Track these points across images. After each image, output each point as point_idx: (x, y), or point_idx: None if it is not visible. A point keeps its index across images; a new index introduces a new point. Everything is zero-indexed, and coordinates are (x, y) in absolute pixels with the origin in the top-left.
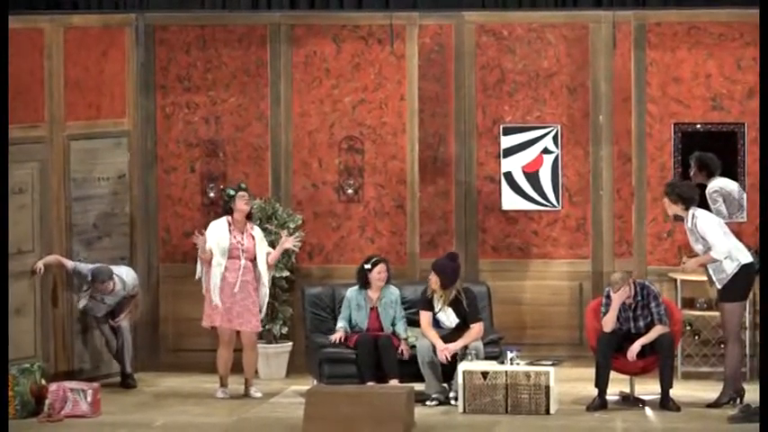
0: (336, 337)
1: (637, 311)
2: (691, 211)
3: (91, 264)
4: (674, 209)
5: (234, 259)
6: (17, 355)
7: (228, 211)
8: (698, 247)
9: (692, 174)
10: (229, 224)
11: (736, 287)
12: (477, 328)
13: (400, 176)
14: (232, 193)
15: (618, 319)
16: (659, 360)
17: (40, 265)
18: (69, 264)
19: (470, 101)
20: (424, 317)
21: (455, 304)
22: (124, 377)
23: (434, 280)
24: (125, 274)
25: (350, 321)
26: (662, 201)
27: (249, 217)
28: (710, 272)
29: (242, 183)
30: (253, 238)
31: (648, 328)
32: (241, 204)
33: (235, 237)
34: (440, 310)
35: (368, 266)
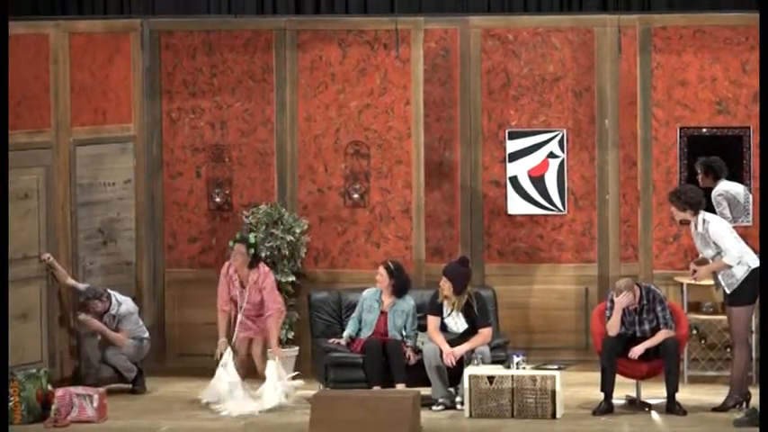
0: (335, 340)
1: (642, 315)
2: (700, 216)
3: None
4: (681, 215)
5: (235, 311)
6: (23, 361)
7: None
8: (707, 252)
9: (699, 179)
10: (231, 276)
11: (745, 291)
12: (485, 333)
13: (406, 181)
14: (231, 244)
15: (623, 322)
16: (665, 364)
17: (49, 255)
18: (81, 286)
19: (476, 105)
20: (432, 322)
21: (466, 309)
22: (133, 383)
23: (447, 286)
24: (125, 302)
25: (360, 321)
26: (669, 209)
27: (257, 261)
28: (719, 277)
29: (241, 233)
30: (258, 288)
31: (654, 331)
32: (235, 261)
33: (234, 288)
34: (448, 315)
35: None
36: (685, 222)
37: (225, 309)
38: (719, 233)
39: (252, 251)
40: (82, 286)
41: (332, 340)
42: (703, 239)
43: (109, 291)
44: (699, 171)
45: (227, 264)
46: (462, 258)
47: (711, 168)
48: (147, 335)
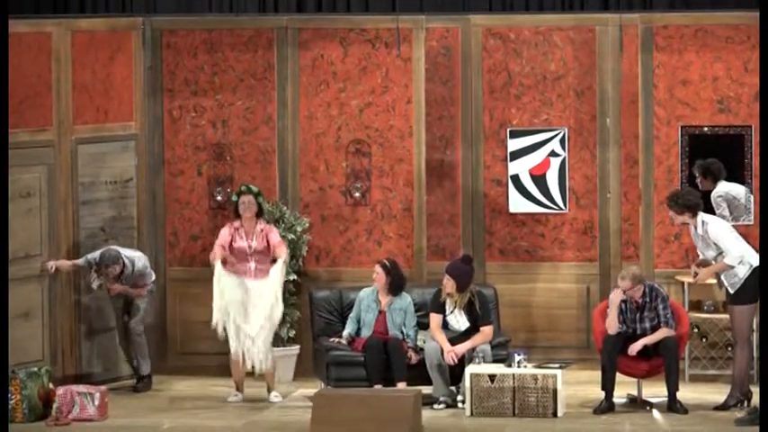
0: (335, 339)
1: (644, 313)
2: (699, 218)
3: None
4: (680, 219)
5: (243, 262)
6: (25, 359)
7: (238, 215)
8: (709, 253)
9: (698, 182)
10: (236, 228)
11: (748, 290)
12: (486, 331)
13: (407, 179)
14: (235, 198)
15: (624, 320)
16: (664, 363)
17: (52, 263)
18: (80, 261)
19: (477, 104)
20: (434, 319)
21: (468, 307)
22: (138, 380)
23: (450, 284)
24: (137, 259)
25: (358, 321)
26: (667, 213)
27: (261, 214)
28: (722, 277)
29: (243, 185)
30: (267, 240)
31: (654, 329)
32: (246, 212)
33: (241, 239)
34: (450, 313)
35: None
36: (685, 225)
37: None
38: (719, 234)
39: (259, 199)
40: (83, 260)
41: (332, 339)
42: (704, 241)
43: (118, 250)
44: (697, 174)
45: (229, 224)
46: (465, 256)
47: (709, 170)
48: (153, 278)
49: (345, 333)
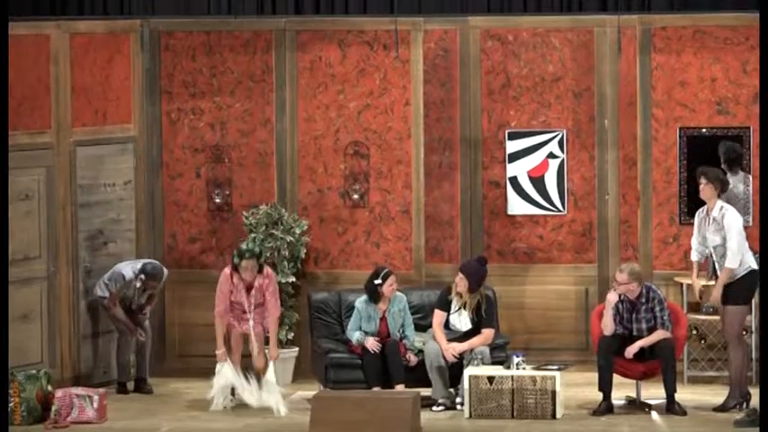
0: (371, 344)
1: (640, 314)
2: (720, 203)
3: (129, 263)
4: (708, 192)
5: (240, 314)
6: (24, 362)
7: (235, 267)
8: (714, 239)
9: (701, 188)
10: (235, 284)
11: (741, 290)
12: (487, 334)
13: (406, 181)
14: (237, 260)
15: (621, 320)
16: (661, 365)
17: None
18: (118, 288)
19: (475, 106)
20: (438, 316)
21: (475, 309)
22: (138, 381)
23: (462, 283)
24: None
25: (359, 329)
26: (701, 185)
27: (262, 267)
28: (716, 267)
29: (247, 249)
30: (263, 291)
31: (651, 331)
32: (246, 275)
33: (240, 294)
34: (455, 311)
35: (378, 281)
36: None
37: (225, 316)
38: (732, 225)
39: (261, 261)
40: (118, 284)
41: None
42: (716, 225)
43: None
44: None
45: (228, 270)
46: (480, 257)
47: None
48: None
49: (360, 336)
